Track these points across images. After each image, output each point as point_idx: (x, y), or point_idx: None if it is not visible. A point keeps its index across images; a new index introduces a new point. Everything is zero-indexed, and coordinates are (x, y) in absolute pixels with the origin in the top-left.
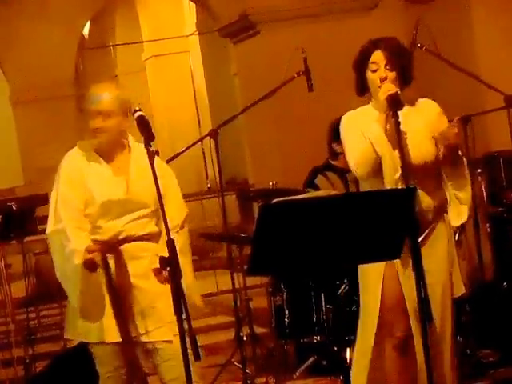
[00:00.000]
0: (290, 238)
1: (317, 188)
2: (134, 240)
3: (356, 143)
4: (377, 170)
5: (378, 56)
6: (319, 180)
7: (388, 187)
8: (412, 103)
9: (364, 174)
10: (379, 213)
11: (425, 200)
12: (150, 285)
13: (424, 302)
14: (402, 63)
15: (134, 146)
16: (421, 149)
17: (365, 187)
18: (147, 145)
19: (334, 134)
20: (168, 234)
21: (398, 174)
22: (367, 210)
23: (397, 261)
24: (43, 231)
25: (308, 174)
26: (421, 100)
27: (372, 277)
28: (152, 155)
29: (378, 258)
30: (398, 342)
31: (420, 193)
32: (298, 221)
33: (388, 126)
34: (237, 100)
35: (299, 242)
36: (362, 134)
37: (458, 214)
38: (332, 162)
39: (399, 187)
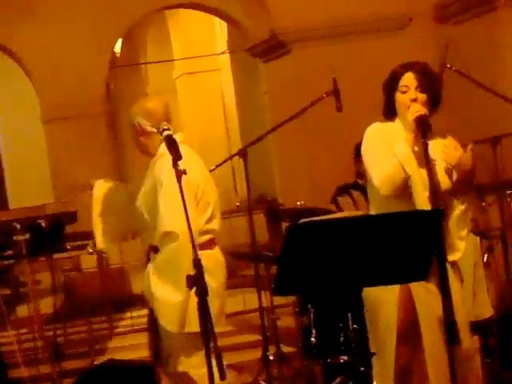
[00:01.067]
0: (317, 259)
1: (338, 205)
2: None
3: (382, 159)
4: (402, 189)
5: (409, 77)
6: (343, 199)
7: (419, 207)
8: (442, 135)
9: (390, 193)
10: (406, 233)
11: None
12: None
13: (451, 325)
14: (433, 87)
15: (157, 157)
16: (440, 177)
17: (377, 207)
18: (175, 164)
19: (360, 153)
20: (195, 252)
21: (427, 194)
22: (394, 231)
23: (413, 285)
24: (72, 249)
25: (334, 191)
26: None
27: (386, 302)
28: (180, 174)
29: (405, 280)
30: (400, 369)
31: None
32: (325, 241)
33: (416, 147)
34: (266, 118)
35: (326, 262)
36: (389, 150)
37: (456, 249)
38: (359, 181)
39: (429, 207)
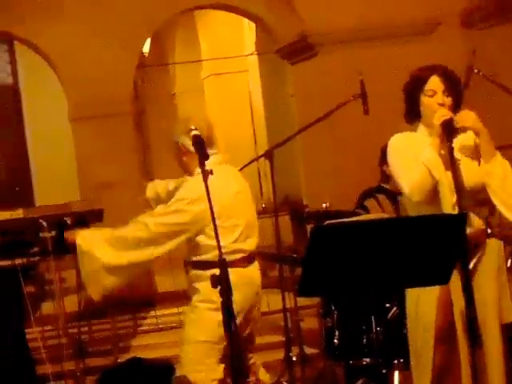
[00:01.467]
0: (341, 261)
1: (366, 210)
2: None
3: (410, 167)
4: (433, 194)
5: (435, 81)
6: (369, 202)
7: (445, 211)
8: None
9: (422, 199)
10: (430, 237)
11: (476, 222)
12: None
13: (473, 325)
14: (456, 90)
15: (194, 176)
16: (474, 172)
17: (413, 212)
18: (202, 164)
19: (385, 157)
20: (220, 253)
21: (455, 198)
22: (418, 234)
23: (452, 286)
24: None
25: (359, 196)
26: None
27: (426, 303)
28: (206, 174)
29: (428, 283)
30: (438, 370)
31: (472, 215)
32: (349, 243)
33: (442, 151)
34: (294, 120)
35: (350, 264)
36: (415, 157)
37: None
38: (383, 185)
39: (456, 211)
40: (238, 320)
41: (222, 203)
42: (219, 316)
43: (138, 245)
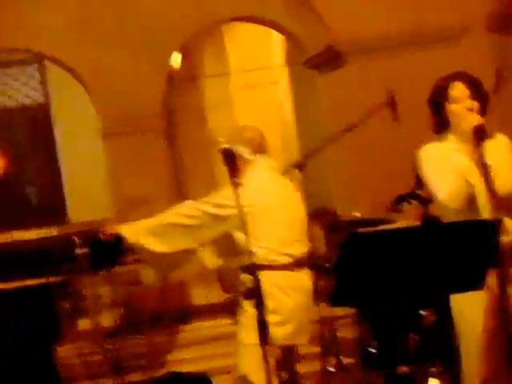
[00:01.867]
0: (374, 268)
1: (400, 211)
2: None
3: (444, 175)
4: (470, 201)
5: (459, 87)
6: (404, 205)
7: (484, 216)
8: (491, 136)
9: (459, 206)
10: (464, 243)
11: None
12: None
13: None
14: (482, 94)
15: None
16: (508, 178)
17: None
18: (232, 176)
19: None
20: (250, 254)
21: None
22: (452, 241)
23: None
24: (132, 262)
25: (393, 200)
26: (497, 133)
27: (470, 314)
28: (236, 186)
29: (462, 289)
30: (487, 374)
31: (509, 222)
32: (383, 251)
33: (474, 157)
34: (325, 131)
35: (383, 272)
36: (448, 165)
37: None
38: (417, 192)
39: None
40: (289, 328)
41: (264, 205)
42: (269, 319)
43: (177, 231)
